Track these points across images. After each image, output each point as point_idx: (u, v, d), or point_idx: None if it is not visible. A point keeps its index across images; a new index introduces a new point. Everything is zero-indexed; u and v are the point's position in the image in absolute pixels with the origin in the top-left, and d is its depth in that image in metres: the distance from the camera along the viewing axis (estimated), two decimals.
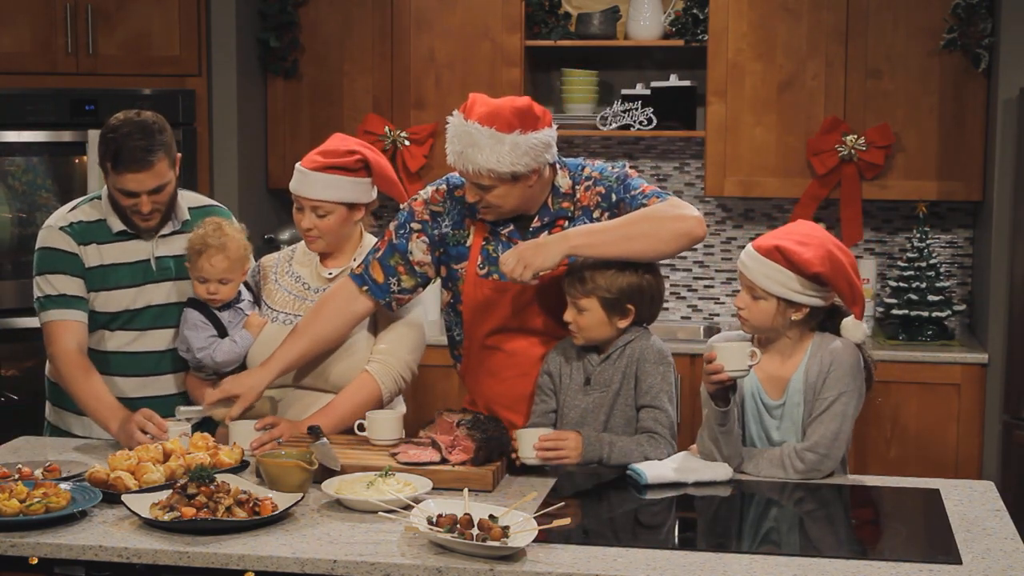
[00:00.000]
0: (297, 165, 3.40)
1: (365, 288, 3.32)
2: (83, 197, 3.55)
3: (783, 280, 3.04)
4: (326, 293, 3.37)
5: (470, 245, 3.30)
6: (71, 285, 3.39)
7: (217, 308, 3.40)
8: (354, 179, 3.36)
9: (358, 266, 3.36)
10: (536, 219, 3.25)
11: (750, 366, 2.98)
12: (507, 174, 3.10)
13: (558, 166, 3.27)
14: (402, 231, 3.33)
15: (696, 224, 3.13)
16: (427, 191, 3.36)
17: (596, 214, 3.25)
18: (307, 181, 3.36)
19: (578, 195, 3.26)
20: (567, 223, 3.24)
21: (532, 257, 3.08)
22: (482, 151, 3.08)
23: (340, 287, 3.35)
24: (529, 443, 3.03)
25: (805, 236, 3.08)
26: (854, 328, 3.10)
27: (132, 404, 3.35)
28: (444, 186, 3.35)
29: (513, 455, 3.07)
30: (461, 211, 3.31)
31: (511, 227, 3.27)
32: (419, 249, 3.32)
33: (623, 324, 3.15)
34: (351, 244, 3.47)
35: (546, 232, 3.23)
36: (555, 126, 3.20)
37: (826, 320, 3.14)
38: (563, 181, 3.26)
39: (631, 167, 3.32)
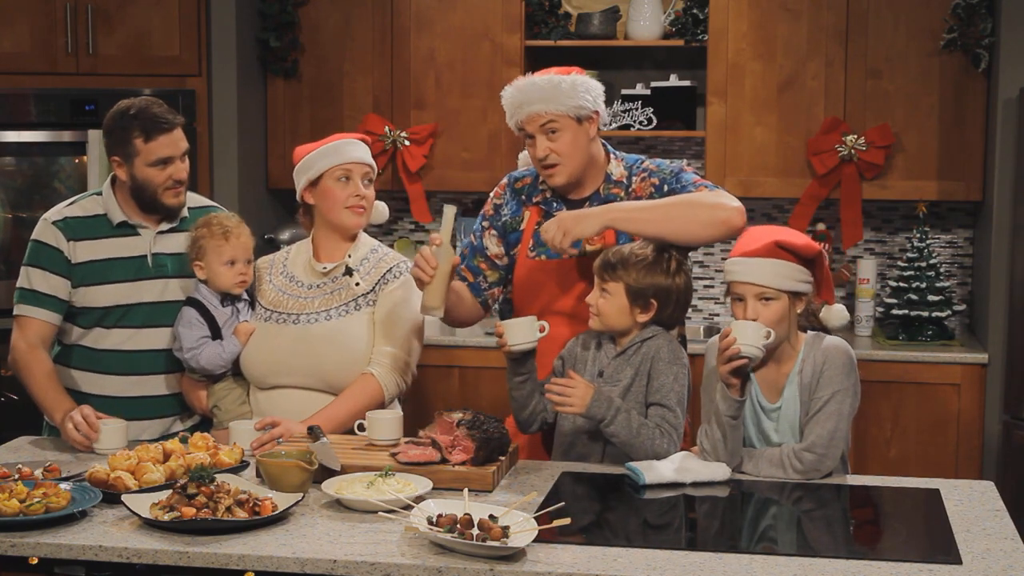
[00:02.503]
0: (310, 154, 3.42)
1: (466, 283, 3.46)
2: (85, 192, 3.57)
3: (790, 273, 3.04)
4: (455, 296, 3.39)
5: (524, 229, 3.42)
6: (46, 283, 3.42)
7: (220, 304, 3.40)
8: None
9: None
10: (586, 204, 3.36)
11: (764, 345, 2.98)
12: (572, 108, 3.25)
13: (612, 156, 3.40)
14: (477, 231, 3.50)
15: (735, 214, 3.19)
16: (492, 191, 3.53)
17: None
18: (348, 148, 3.39)
19: (633, 185, 3.37)
20: None
21: (572, 225, 3.17)
22: (544, 91, 3.27)
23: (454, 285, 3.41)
24: (518, 332, 3.10)
25: (778, 230, 3.09)
26: (838, 313, 3.13)
27: (125, 404, 3.38)
28: (505, 181, 3.53)
29: (500, 341, 3.15)
30: (520, 201, 3.46)
31: (563, 210, 3.36)
32: (492, 243, 3.47)
33: (643, 318, 3.15)
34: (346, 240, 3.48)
35: None
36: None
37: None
38: (616, 169, 3.39)
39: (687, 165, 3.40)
